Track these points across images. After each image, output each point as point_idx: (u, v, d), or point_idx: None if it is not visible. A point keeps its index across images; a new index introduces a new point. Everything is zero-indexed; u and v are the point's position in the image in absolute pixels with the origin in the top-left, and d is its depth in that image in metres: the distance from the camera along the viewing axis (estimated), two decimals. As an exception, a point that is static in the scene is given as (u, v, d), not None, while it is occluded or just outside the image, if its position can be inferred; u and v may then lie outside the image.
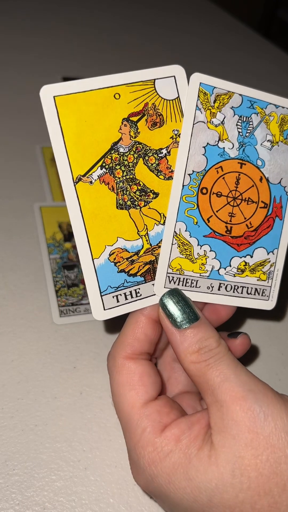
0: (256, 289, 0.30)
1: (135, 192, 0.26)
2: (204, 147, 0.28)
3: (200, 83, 0.27)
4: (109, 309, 0.27)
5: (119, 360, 0.26)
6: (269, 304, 0.30)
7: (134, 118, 0.26)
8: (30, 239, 0.42)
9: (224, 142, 0.28)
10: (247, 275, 0.29)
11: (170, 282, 0.27)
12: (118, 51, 0.71)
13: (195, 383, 0.25)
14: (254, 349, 0.39)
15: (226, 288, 0.29)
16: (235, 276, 0.29)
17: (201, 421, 0.24)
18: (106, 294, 0.26)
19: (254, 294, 0.30)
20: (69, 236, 0.43)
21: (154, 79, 0.26)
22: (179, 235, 0.27)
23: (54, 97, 0.25)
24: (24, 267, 0.40)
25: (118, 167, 0.26)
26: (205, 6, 0.92)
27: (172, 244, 0.27)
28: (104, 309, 0.27)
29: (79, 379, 0.34)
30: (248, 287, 0.29)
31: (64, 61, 0.66)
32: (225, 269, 0.29)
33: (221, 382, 0.24)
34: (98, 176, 0.26)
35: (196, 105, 0.27)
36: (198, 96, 0.27)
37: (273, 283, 0.30)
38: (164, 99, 0.27)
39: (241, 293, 0.29)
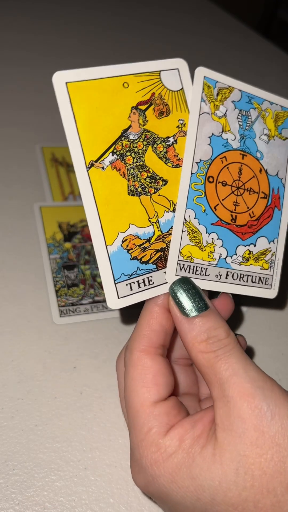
0: (259, 278, 0.30)
1: (145, 179, 0.27)
2: (209, 137, 0.29)
3: (204, 76, 0.29)
4: (123, 297, 0.27)
5: (136, 354, 0.26)
6: (271, 293, 0.31)
7: (142, 107, 0.27)
8: (30, 239, 0.42)
9: (227, 133, 0.29)
10: (251, 264, 0.30)
11: (181, 269, 0.28)
12: (118, 50, 0.71)
13: (202, 374, 0.25)
14: (254, 349, 0.39)
15: (233, 276, 0.29)
16: (240, 265, 0.30)
17: (204, 419, 0.24)
18: (120, 282, 0.26)
19: (258, 283, 0.30)
20: (69, 236, 0.43)
21: (160, 71, 0.28)
22: (189, 222, 0.28)
23: (66, 83, 0.25)
24: (24, 267, 0.40)
25: (128, 153, 0.27)
26: (205, 6, 0.92)
27: (182, 231, 0.28)
28: (119, 298, 0.26)
29: (79, 379, 0.34)
30: (252, 276, 0.30)
31: (64, 61, 0.66)
32: (231, 257, 0.29)
33: (229, 376, 0.23)
34: (109, 162, 0.26)
35: (201, 97, 0.28)
36: (203, 88, 0.28)
37: (275, 272, 0.31)
38: (170, 90, 0.28)
39: (247, 281, 0.30)
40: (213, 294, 0.29)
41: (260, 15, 1.77)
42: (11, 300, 0.38)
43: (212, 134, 0.29)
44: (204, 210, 0.28)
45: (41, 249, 0.41)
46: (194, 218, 0.28)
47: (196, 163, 0.28)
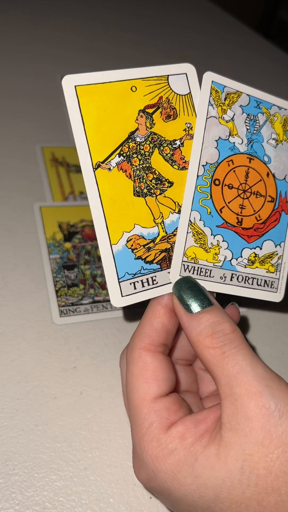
0: (265, 281, 0.30)
1: (151, 181, 0.28)
2: (216, 140, 0.29)
3: (212, 81, 0.29)
4: (126, 296, 0.27)
5: (137, 351, 0.26)
6: (277, 296, 0.31)
7: (150, 110, 0.28)
8: (30, 239, 0.42)
9: (234, 137, 0.30)
10: (257, 267, 0.30)
11: (185, 270, 0.28)
12: (118, 50, 0.71)
13: (209, 371, 0.25)
14: (254, 349, 0.39)
15: (238, 278, 0.29)
16: (246, 267, 0.30)
17: (207, 419, 0.24)
18: (124, 281, 0.27)
19: (264, 286, 0.30)
20: (69, 236, 0.43)
21: (168, 75, 0.28)
22: (194, 223, 0.28)
23: (75, 86, 0.26)
24: (24, 267, 0.40)
25: (135, 155, 0.27)
26: (205, 6, 0.92)
27: (187, 232, 0.28)
28: (122, 296, 0.27)
29: (79, 379, 0.34)
30: (258, 279, 0.30)
31: (64, 61, 0.66)
32: (236, 259, 0.29)
33: (237, 373, 0.23)
34: (116, 163, 0.27)
35: (209, 101, 0.29)
36: (211, 93, 0.29)
37: (281, 276, 0.31)
38: (177, 94, 0.28)
39: (252, 284, 0.30)
40: (221, 305, 0.29)
41: (260, 15, 1.77)
42: (11, 300, 0.38)
43: (219, 137, 0.29)
44: (210, 212, 0.29)
45: (41, 249, 0.41)
46: (200, 220, 0.28)
47: (202, 165, 0.28)
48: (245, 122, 0.30)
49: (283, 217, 0.31)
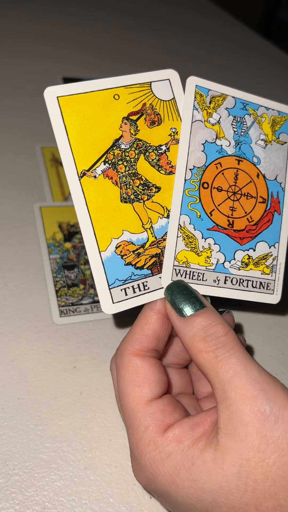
0: (260, 283, 0.30)
1: (138, 186, 0.28)
2: (203, 144, 0.29)
3: (196, 85, 0.29)
4: (117, 302, 0.27)
5: (127, 356, 0.26)
6: (273, 298, 0.30)
7: (134, 117, 0.28)
8: (30, 239, 0.42)
9: (221, 140, 0.29)
10: (251, 269, 0.30)
11: (177, 275, 0.28)
12: (118, 50, 0.71)
13: (204, 375, 0.25)
14: (254, 349, 0.39)
15: (232, 281, 0.29)
16: (239, 270, 0.29)
17: (204, 423, 0.24)
18: (114, 287, 0.27)
19: (259, 288, 0.30)
20: (69, 236, 0.43)
21: (151, 82, 0.28)
22: (184, 227, 0.28)
23: (57, 97, 0.27)
24: (24, 267, 0.40)
25: (120, 162, 0.27)
26: (205, 6, 0.92)
27: (177, 237, 0.28)
28: (113, 303, 0.27)
29: (79, 379, 0.34)
30: (253, 281, 0.30)
31: (64, 61, 0.66)
32: (229, 262, 0.29)
33: (231, 378, 0.23)
34: (101, 171, 0.27)
35: (193, 105, 0.29)
36: (195, 97, 0.29)
37: (277, 277, 0.31)
38: (161, 99, 0.29)
39: (247, 286, 0.30)
40: (219, 306, 0.29)
41: (260, 15, 1.77)
42: (11, 300, 0.38)
43: (206, 141, 0.29)
44: (200, 216, 0.28)
45: (41, 249, 0.41)
46: (189, 224, 0.28)
47: (190, 169, 0.28)
48: (231, 124, 0.30)
49: (276, 217, 0.31)
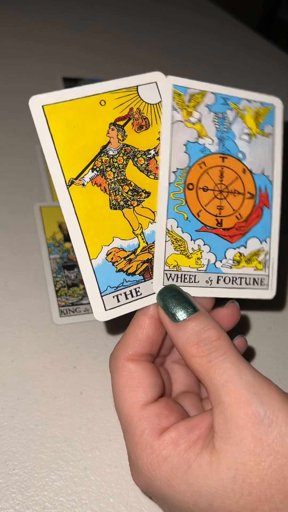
0: (254, 279, 0.30)
1: (127, 192, 0.27)
2: (184, 144, 0.29)
3: (173, 85, 0.28)
4: (110, 309, 0.27)
5: (120, 361, 0.26)
6: (269, 293, 0.30)
7: (121, 122, 0.27)
8: (30, 239, 0.42)
9: (203, 138, 0.29)
10: (243, 266, 0.29)
11: (168, 279, 0.28)
12: (118, 50, 0.71)
13: (199, 380, 0.25)
14: (254, 349, 0.39)
15: (224, 280, 0.29)
16: (232, 268, 0.29)
17: (200, 426, 0.24)
18: (106, 294, 0.27)
19: (253, 284, 0.30)
20: (69, 236, 0.43)
21: (137, 86, 0.28)
22: (172, 231, 0.28)
23: (42, 106, 0.26)
24: (24, 267, 0.40)
25: (108, 169, 0.27)
26: (205, 6, 0.92)
27: (165, 241, 0.28)
28: (106, 310, 0.27)
29: (79, 379, 0.34)
30: (246, 278, 0.29)
31: (64, 61, 0.66)
32: (221, 261, 0.29)
33: (224, 382, 0.23)
34: (90, 178, 0.27)
35: (172, 106, 0.28)
36: (173, 97, 0.28)
37: (270, 272, 0.30)
38: (148, 103, 0.28)
39: (240, 284, 0.29)
40: (220, 303, 0.29)
41: (260, 15, 1.77)
42: (11, 300, 0.38)
43: (187, 141, 0.29)
44: (187, 218, 0.28)
45: (41, 249, 0.41)
46: (177, 227, 0.28)
47: (173, 172, 0.28)
48: (213, 121, 0.29)
49: (265, 212, 0.30)
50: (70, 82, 0.61)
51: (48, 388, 0.33)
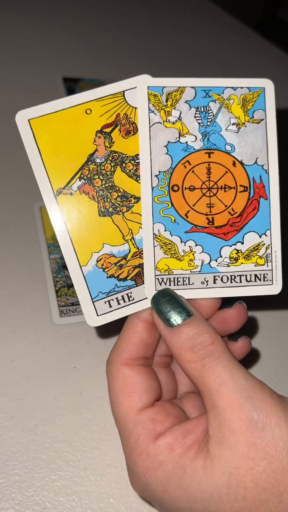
0: (256, 275, 0.28)
1: (115, 199, 0.27)
2: (165, 146, 0.28)
3: (148, 86, 0.28)
4: (102, 314, 0.27)
5: (115, 367, 0.26)
6: (274, 288, 0.29)
7: (108, 129, 0.28)
8: (30, 239, 0.42)
9: (185, 136, 0.28)
10: (242, 263, 0.28)
11: (160, 284, 0.27)
12: (118, 50, 0.71)
13: (194, 384, 0.25)
14: (254, 349, 0.39)
15: (222, 279, 0.28)
16: (229, 266, 0.28)
17: (196, 430, 0.24)
18: (97, 300, 0.27)
19: (255, 281, 0.28)
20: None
21: (124, 91, 0.28)
22: (159, 236, 0.27)
23: (29, 120, 0.27)
24: (24, 267, 0.40)
25: (96, 176, 0.27)
26: (205, 6, 0.92)
27: (154, 246, 0.27)
28: (98, 315, 0.27)
29: (79, 379, 0.34)
30: (246, 275, 0.28)
31: (64, 61, 0.66)
32: (216, 261, 0.28)
33: (218, 386, 0.23)
34: (77, 187, 0.27)
35: (148, 108, 0.28)
36: (149, 99, 0.28)
37: (274, 266, 0.29)
38: (135, 108, 0.28)
39: (240, 282, 0.28)
40: (227, 304, 0.29)
41: (260, 15, 1.76)
42: (11, 300, 0.38)
43: (168, 142, 0.28)
44: (174, 220, 0.28)
45: (41, 249, 0.41)
46: (165, 231, 0.27)
47: (155, 175, 0.28)
48: (195, 117, 0.28)
49: (262, 203, 0.29)
50: (70, 82, 0.61)
51: (48, 388, 0.33)
